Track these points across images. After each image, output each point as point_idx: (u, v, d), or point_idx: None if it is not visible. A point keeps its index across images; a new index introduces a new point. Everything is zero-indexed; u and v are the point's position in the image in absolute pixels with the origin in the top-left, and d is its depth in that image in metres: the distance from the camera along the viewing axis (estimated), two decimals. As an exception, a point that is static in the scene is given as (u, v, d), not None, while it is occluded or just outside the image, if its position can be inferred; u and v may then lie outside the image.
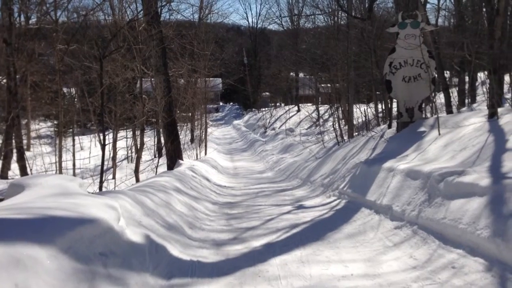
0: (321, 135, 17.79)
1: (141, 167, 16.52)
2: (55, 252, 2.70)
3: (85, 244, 3.10)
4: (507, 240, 3.46)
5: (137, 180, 13.02)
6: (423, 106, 9.84)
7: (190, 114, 25.05)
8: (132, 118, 19.84)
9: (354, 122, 17.23)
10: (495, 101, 7.59)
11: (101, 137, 8.05)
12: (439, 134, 7.69)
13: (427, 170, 5.59)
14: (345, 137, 15.04)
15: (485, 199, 4.15)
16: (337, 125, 15.40)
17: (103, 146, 7.70)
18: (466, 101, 15.53)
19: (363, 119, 16.61)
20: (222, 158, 21.35)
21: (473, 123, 7.42)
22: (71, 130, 30.57)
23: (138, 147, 14.30)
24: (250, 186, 11.73)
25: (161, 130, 15.98)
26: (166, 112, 13.28)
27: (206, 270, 4.09)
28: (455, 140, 6.78)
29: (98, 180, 14.64)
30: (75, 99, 31.72)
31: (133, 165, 17.38)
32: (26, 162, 12.48)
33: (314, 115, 28.75)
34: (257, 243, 5.26)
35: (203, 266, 4.23)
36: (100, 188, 7.40)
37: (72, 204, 3.61)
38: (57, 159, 15.06)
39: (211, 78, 31.12)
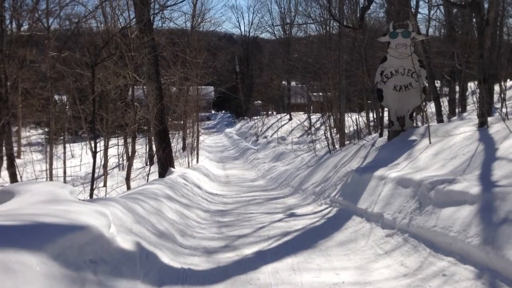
0: (312, 144, 17.85)
1: (132, 175, 16.45)
2: (45, 259, 2.68)
3: (75, 251, 3.08)
4: (497, 247, 3.48)
5: (128, 188, 12.95)
6: (414, 115, 9.91)
7: (182, 122, 25.04)
8: (124, 126, 19.81)
9: (346, 131, 17.30)
10: (485, 110, 7.66)
11: (92, 145, 7.98)
12: (430, 142, 7.74)
13: (418, 178, 5.62)
14: (337, 146, 15.09)
15: (475, 207, 4.17)
16: (328, 133, 15.43)
17: (94, 154, 7.66)
18: (457, 110, 15.66)
19: (355, 127, 16.68)
20: (214, 166, 21.32)
21: (463, 132, 7.47)
22: (62, 137, 30.43)
23: (130, 155, 14.20)
24: (241, 194, 11.72)
25: (152, 137, 15.94)
26: (157, 119, 13.27)
27: (197, 278, 4.07)
28: (446, 148, 6.83)
29: (89, 187, 14.58)
30: (67, 107, 31.58)
31: (124, 173, 17.31)
32: (16, 169, 12.38)
33: (306, 123, 28.84)
34: (249, 250, 5.24)
35: (194, 274, 4.21)
36: (91, 195, 7.36)
37: (63, 211, 3.59)
38: (47, 167, 15.00)
39: (203, 86, 31.16)
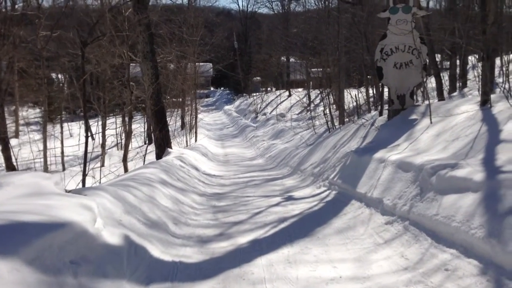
0: (312, 121, 17.56)
1: (130, 154, 16.29)
2: (17, 265, 2.49)
3: (54, 252, 2.89)
4: (503, 241, 3.29)
5: (125, 169, 12.78)
6: (415, 90, 9.66)
7: (180, 99, 24.77)
8: (121, 105, 19.53)
9: (346, 107, 17.03)
10: (488, 88, 7.42)
11: (89, 125, 7.76)
12: (431, 122, 7.52)
13: (419, 162, 5.41)
14: (336, 123, 14.85)
15: (479, 195, 3.98)
16: (328, 111, 15.17)
17: (86, 138, 7.45)
18: (458, 85, 15.37)
19: (354, 104, 16.44)
20: (212, 145, 21.13)
21: (465, 111, 7.25)
22: (59, 117, 30.29)
23: (127, 135, 13.99)
24: (239, 175, 11.55)
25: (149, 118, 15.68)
26: (153, 99, 13.01)
27: (188, 273, 3.90)
28: (447, 129, 6.61)
29: (90, 168, 14.43)
30: (64, 85, 31.22)
31: (122, 153, 17.14)
32: (11, 151, 12.17)
33: (305, 100, 28.51)
34: (244, 239, 5.08)
35: (186, 268, 4.04)
36: (83, 183, 7.16)
37: (44, 206, 3.39)
38: (43, 148, 14.83)
39: (201, 63, 30.74)
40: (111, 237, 3.78)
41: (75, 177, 9.32)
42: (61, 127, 21.71)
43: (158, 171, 7.69)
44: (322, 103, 19.82)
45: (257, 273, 3.86)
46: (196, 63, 25.05)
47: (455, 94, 13.75)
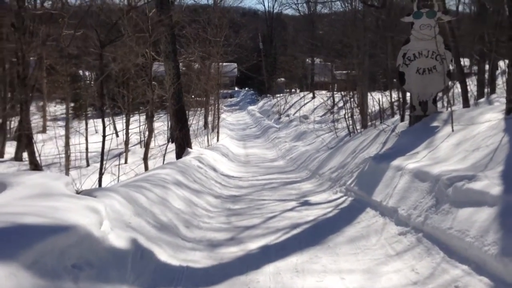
0: (334, 123, 17.40)
1: (153, 152, 16.42)
2: (15, 269, 2.48)
3: (55, 256, 2.88)
4: (516, 260, 3.17)
5: (146, 167, 12.86)
6: (438, 99, 9.46)
7: (203, 98, 24.89)
8: (145, 103, 19.68)
9: (369, 110, 16.84)
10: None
11: (103, 127, 7.81)
12: (452, 130, 7.34)
13: (436, 172, 5.28)
14: (359, 126, 14.67)
15: (495, 210, 3.84)
16: (349, 115, 14.99)
17: (103, 137, 7.50)
18: (486, 90, 15.03)
19: (378, 107, 16.25)
20: (234, 145, 21.14)
21: (488, 119, 7.05)
22: (85, 113, 30.70)
23: (148, 134, 14.07)
24: (258, 177, 11.50)
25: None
26: (175, 99, 13.08)
27: (194, 279, 3.86)
28: (469, 138, 6.43)
29: (114, 164, 14.56)
30: (91, 83, 31.64)
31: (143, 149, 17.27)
32: (35, 147, 12.36)
33: (329, 102, 28.30)
34: (254, 245, 5.02)
35: (192, 274, 4.00)
36: (100, 182, 7.21)
37: (50, 208, 3.39)
38: (64, 144, 15.05)
39: (225, 64, 30.80)
40: (118, 240, 3.76)
41: (93, 175, 9.43)
42: (86, 124, 21.94)
43: (174, 172, 7.69)
44: (345, 106, 19.67)
45: (263, 281, 3.80)
46: (220, 63, 25.12)
47: (482, 100, 13.44)
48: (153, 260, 3.98)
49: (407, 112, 10.60)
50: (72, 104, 32.78)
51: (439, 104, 9.50)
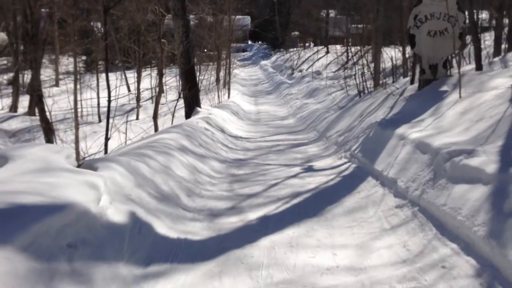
0: (346, 81, 17.16)
1: (165, 108, 16.51)
2: (10, 253, 2.58)
3: (51, 236, 2.99)
4: (502, 244, 3.20)
5: (156, 126, 12.97)
6: (448, 62, 9.30)
7: (215, 53, 24.70)
8: (156, 58, 19.56)
9: (382, 67, 16.58)
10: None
11: (108, 92, 7.83)
12: (460, 97, 7.26)
13: (437, 144, 5.27)
14: (371, 85, 14.44)
15: (488, 189, 3.86)
16: (361, 73, 14.76)
17: (108, 102, 7.54)
18: (504, 46, 14.65)
19: (392, 64, 16.03)
20: (245, 102, 21.12)
21: (497, 86, 6.96)
22: (100, 66, 30.74)
23: (157, 93, 14.08)
24: (266, 137, 11.56)
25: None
26: (184, 58, 12.99)
27: (190, 252, 3.97)
28: (474, 107, 6.37)
29: (123, 120, 14.66)
30: (103, 36, 31.41)
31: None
32: (45, 104, 12.45)
33: (343, 57, 27.88)
34: (254, 215, 5.12)
35: (189, 246, 4.12)
36: (106, 148, 7.30)
37: (48, 185, 3.48)
38: (75, 101, 15.17)
39: (238, 16, 30.30)
40: (116, 215, 3.87)
41: (103, 134, 9.52)
42: (97, 79, 22.00)
43: (179, 137, 7.76)
44: (358, 62, 19.37)
45: (257, 256, 3.90)
46: (232, 17, 24.76)
47: (496, 59, 13.14)
48: (151, 234, 4.09)
49: (417, 75, 10.43)
50: (84, 58, 32.79)
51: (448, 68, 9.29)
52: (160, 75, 13.87)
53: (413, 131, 6.34)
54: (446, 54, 9.00)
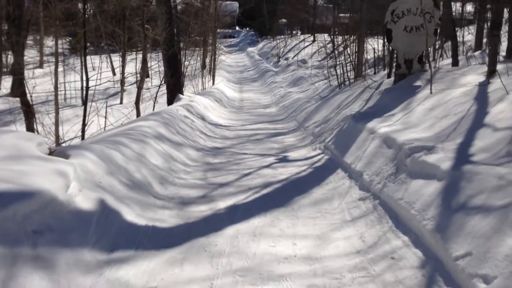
0: (328, 71, 17.29)
1: (148, 94, 16.56)
2: (-26, 239, 2.72)
3: (17, 222, 3.11)
4: (446, 238, 3.41)
5: (138, 112, 13.02)
6: (424, 58, 9.50)
7: (201, 38, 24.70)
8: (140, 44, 19.52)
9: (365, 59, 16.74)
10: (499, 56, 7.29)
11: (86, 78, 7.91)
12: (431, 92, 7.48)
13: (401, 140, 5.48)
14: (353, 76, 14.59)
15: (441, 185, 4.07)
16: (345, 62, 14.87)
17: (86, 90, 7.63)
18: (485, 40, 14.85)
19: (374, 56, 16.20)
20: (230, 89, 21.21)
21: (466, 83, 7.18)
22: (83, 49, 30.24)
23: (140, 78, 14.12)
24: (247, 126, 11.72)
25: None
26: (167, 44, 13.05)
27: (156, 239, 4.13)
28: (442, 104, 6.59)
29: (106, 105, 14.72)
30: (89, 18, 31.15)
31: (141, 91, 17.36)
32: (26, 87, 12.41)
33: (329, 46, 27.96)
34: (223, 204, 5.27)
35: (155, 234, 4.27)
36: (83, 134, 7.39)
37: (16, 172, 3.60)
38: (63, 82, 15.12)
39: (226, 2, 30.20)
40: (85, 202, 4.00)
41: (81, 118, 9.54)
42: (81, 62, 21.86)
43: (157, 124, 7.87)
44: (342, 52, 19.51)
45: (220, 244, 4.07)
46: (219, 2, 24.74)
47: (477, 53, 13.34)
48: (118, 220, 4.22)
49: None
50: (69, 40, 32.48)
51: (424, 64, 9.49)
52: (144, 61, 13.92)
53: (382, 126, 6.54)
54: (421, 50, 9.21)
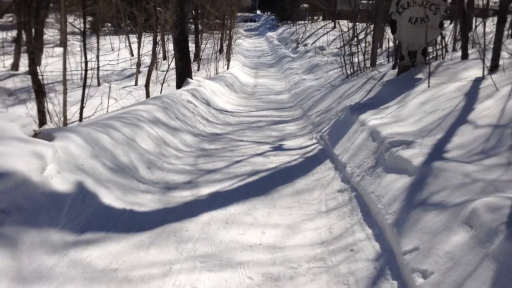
0: (343, 58, 17.18)
1: (161, 77, 16.70)
2: None
3: (-15, 202, 3.27)
4: (401, 232, 3.46)
5: (147, 94, 13.17)
6: (428, 50, 9.41)
7: (220, 21, 24.70)
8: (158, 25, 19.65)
9: (383, 48, 16.58)
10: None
11: (85, 60, 8.05)
12: (429, 86, 7.43)
13: (384, 134, 5.50)
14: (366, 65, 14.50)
15: (409, 180, 4.11)
16: (360, 50, 14.75)
17: (85, 72, 7.77)
18: (507, 33, 14.53)
19: (388, 45, 16.03)
20: (245, 73, 21.22)
21: (464, 78, 7.12)
22: (105, 28, 30.80)
23: (151, 61, 14.26)
24: (253, 112, 11.77)
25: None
26: (177, 27, 13.12)
27: (130, 223, 4.26)
28: (434, 98, 6.56)
29: (121, 86, 14.86)
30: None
31: (158, 73, 17.51)
32: (38, 68, 12.64)
33: (349, 34, 27.68)
34: (207, 190, 5.38)
35: (130, 217, 4.40)
36: (81, 115, 7.55)
37: (-6, 154, 3.76)
38: (74, 61, 15.35)
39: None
40: (61, 184, 4.14)
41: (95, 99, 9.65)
42: (97, 41, 22.12)
43: (155, 108, 7.98)
44: (362, 40, 19.30)
45: (191, 230, 4.18)
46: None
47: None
48: (95, 203, 4.36)
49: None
50: (89, 19, 32.78)
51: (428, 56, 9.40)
52: (154, 43, 14.03)
53: (373, 118, 6.54)
54: (425, 42, 9.10)
